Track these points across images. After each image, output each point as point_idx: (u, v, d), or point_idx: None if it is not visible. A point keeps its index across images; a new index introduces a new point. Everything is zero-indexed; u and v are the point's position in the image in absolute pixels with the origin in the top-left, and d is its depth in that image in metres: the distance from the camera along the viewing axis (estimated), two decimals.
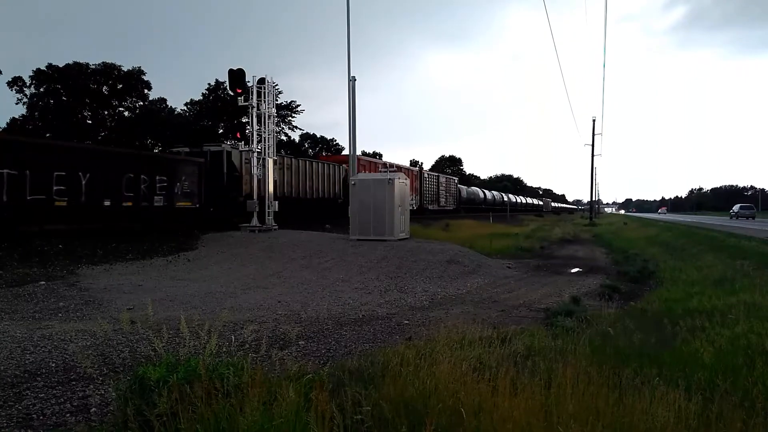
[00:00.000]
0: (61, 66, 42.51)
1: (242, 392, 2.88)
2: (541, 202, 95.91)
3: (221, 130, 47.15)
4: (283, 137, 51.24)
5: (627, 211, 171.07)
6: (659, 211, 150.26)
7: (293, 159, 22.23)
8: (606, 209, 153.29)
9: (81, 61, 43.50)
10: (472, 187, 55.17)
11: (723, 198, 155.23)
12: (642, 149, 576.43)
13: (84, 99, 43.59)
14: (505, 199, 62.20)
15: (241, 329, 5.60)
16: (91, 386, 3.88)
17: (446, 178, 42.25)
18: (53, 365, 4.40)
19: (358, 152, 21.19)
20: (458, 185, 45.23)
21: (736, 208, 56.23)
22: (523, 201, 76.70)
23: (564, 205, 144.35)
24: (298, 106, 52.44)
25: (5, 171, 10.74)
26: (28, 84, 42.55)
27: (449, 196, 40.67)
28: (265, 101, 17.01)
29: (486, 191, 57.78)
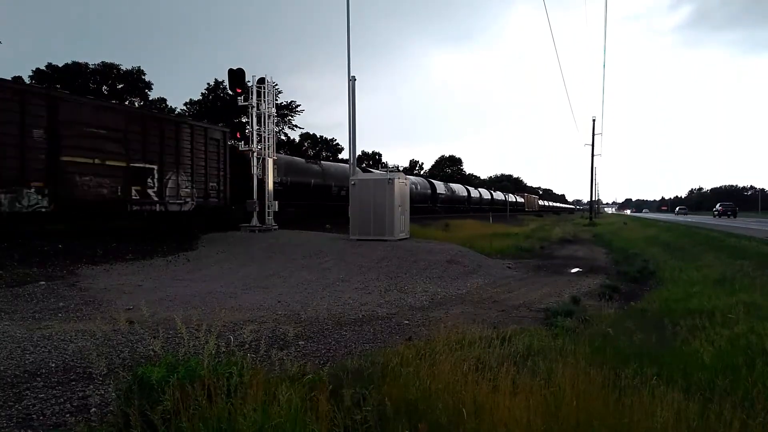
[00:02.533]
0: (60, 66, 42.52)
1: (242, 392, 2.88)
2: (521, 199, 72.62)
3: None
4: (283, 137, 51.26)
5: (632, 211, 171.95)
6: (643, 210, 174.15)
7: None
8: (606, 209, 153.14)
9: (80, 61, 43.54)
10: (340, 166, 26.35)
11: (723, 198, 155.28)
12: (642, 149, 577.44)
13: None
14: (442, 191, 39.40)
15: (241, 329, 5.59)
16: (91, 386, 3.88)
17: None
18: (53, 365, 4.40)
19: (358, 152, 21.01)
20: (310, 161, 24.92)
21: (677, 209, 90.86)
22: (478, 196, 51.38)
23: (559, 204, 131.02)
24: (298, 105, 52.48)
25: None
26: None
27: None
28: (264, 101, 17.02)
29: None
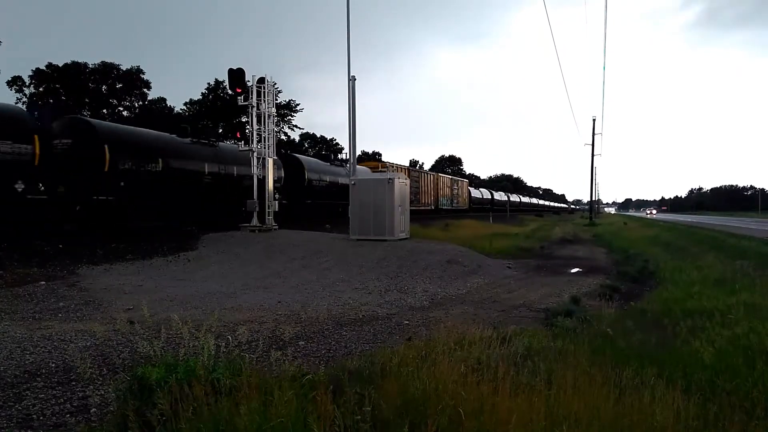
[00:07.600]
0: (60, 65, 42.53)
1: (241, 392, 2.87)
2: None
3: (221, 130, 47.13)
4: (283, 137, 51.18)
5: (654, 212, 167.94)
6: (632, 211, 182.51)
7: None
8: (606, 209, 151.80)
9: (80, 61, 43.54)
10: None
11: (723, 198, 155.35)
12: (642, 149, 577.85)
13: (83, 98, 43.59)
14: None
15: (241, 329, 5.59)
16: (91, 386, 3.87)
17: None
18: (53, 365, 4.39)
19: (358, 152, 20.95)
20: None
21: (642, 208, 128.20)
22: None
23: (546, 202, 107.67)
24: (297, 105, 52.46)
25: None
26: (27, 84, 42.59)
27: None
28: (264, 101, 17.00)
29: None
